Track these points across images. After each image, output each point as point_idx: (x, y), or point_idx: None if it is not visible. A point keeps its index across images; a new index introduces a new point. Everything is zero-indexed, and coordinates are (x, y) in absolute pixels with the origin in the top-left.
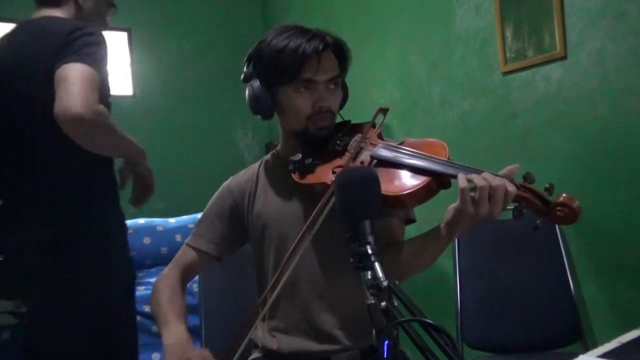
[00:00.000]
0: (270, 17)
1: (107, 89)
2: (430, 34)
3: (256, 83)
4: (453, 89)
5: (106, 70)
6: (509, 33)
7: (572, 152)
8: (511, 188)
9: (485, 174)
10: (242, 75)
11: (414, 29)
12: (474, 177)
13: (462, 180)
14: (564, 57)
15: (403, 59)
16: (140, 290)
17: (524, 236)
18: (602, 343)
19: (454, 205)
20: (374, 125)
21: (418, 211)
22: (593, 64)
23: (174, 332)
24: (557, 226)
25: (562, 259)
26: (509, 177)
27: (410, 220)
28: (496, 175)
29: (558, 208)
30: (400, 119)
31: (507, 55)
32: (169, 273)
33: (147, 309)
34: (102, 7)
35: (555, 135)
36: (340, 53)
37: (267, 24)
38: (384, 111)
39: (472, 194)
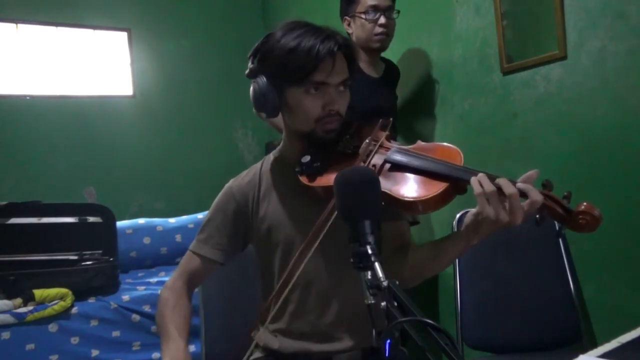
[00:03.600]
0: (270, 17)
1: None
2: (430, 34)
3: (262, 80)
4: (453, 89)
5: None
6: (509, 33)
7: (572, 152)
8: (539, 197)
9: (500, 180)
10: (247, 71)
11: (414, 29)
12: (484, 182)
13: (476, 185)
14: (564, 57)
15: (403, 59)
16: (141, 290)
17: (524, 236)
18: (602, 343)
19: (473, 210)
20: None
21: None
22: (593, 64)
23: (173, 349)
24: (557, 226)
25: (562, 259)
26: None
27: (415, 222)
28: (517, 181)
29: (580, 216)
30: (400, 119)
31: (507, 55)
32: (174, 282)
33: (147, 308)
34: None
35: (555, 135)
36: (350, 55)
37: (267, 24)
38: (385, 124)
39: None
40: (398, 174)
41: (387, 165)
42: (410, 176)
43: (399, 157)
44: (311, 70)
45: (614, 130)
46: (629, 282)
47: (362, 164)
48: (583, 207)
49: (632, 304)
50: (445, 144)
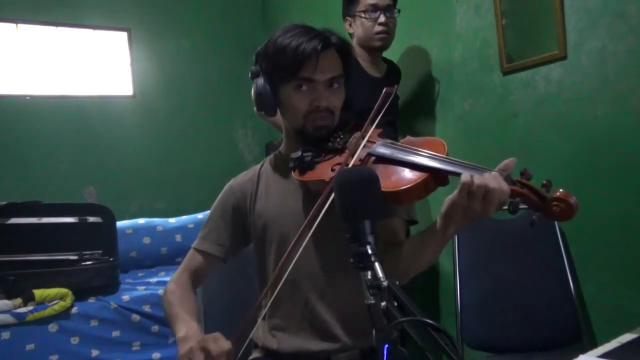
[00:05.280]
0: (270, 17)
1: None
2: (430, 34)
3: (260, 80)
4: (453, 89)
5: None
6: (509, 33)
7: (572, 152)
8: (505, 188)
9: (487, 175)
10: (250, 72)
11: (414, 28)
12: (475, 176)
13: (465, 175)
14: (564, 57)
15: (403, 59)
16: (141, 290)
17: (524, 236)
18: (602, 343)
19: (449, 196)
20: (382, 107)
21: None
22: (593, 64)
23: (187, 326)
24: (557, 226)
25: (562, 259)
26: (505, 173)
27: (413, 222)
28: (492, 170)
29: (554, 203)
30: (400, 119)
31: (507, 55)
32: (179, 276)
33: (147, 308)
34: None
35: (555, 135)
36: (345, 53)
37: (267, 24)
38: (388, 92)
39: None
40: (381, 167)
41: (372, 158)
42: (393, 168)
43: (382, 150)
44: (297, 67)
45: (614, 130)
46: (629, 282)
47: (349, 158)
48: (558, 193)
49: (632, 304)
50: (429, 137)
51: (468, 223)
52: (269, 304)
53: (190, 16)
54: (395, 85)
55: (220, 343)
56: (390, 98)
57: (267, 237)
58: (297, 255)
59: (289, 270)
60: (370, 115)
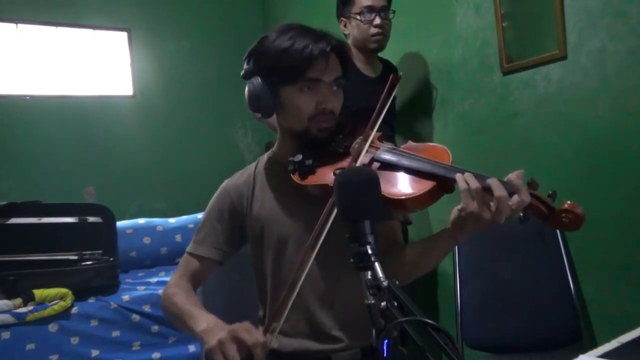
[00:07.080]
0: (270, 17)
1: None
2: (430, 34)
3: (257, 80)
4: (453, 89)
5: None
6: (509, 33)
7: (572, 152)
8: (527, 197)
9: (491, 180)
10: (242, 72)
11: (414, 29)
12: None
13: (461, 181)
14: (564, 57)
15: (403, 59)
16: (141, 290)
17: (524, 236)
18: (602, 343)
19: (458, 206)
20: (389, 94)
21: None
22: (593, 64)
23: (205, 318)
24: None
25: (562, 259)
26: (519, 185)
27: (407, 222)
28: (503, 181)
29: (563, 214)
30: (401, 119)
31: (507, 55)
32: (178, 281)
33: (147, 309)
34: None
35: (555, 135)
36: (343, 55)
37: (267, 24)
38: (395, 80)
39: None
40: (386, 173)
41: (376, 164)
42: (398, 175)
43: (387, 156)
44: (305, 68)
45: (614, 130)
46: (629, 282)
47: (353, 163)
48: (567, 205)
49: (632, 304)
50: (434, 143)
51: (478, 231)
52: (280, 324)
53: (190, 16)
54: (400, 74)
55: (254, 334)
56: (397, 85)
57: (265, 239)
58: (305, 271)
59: (297, 288)
60: (386, 90)
